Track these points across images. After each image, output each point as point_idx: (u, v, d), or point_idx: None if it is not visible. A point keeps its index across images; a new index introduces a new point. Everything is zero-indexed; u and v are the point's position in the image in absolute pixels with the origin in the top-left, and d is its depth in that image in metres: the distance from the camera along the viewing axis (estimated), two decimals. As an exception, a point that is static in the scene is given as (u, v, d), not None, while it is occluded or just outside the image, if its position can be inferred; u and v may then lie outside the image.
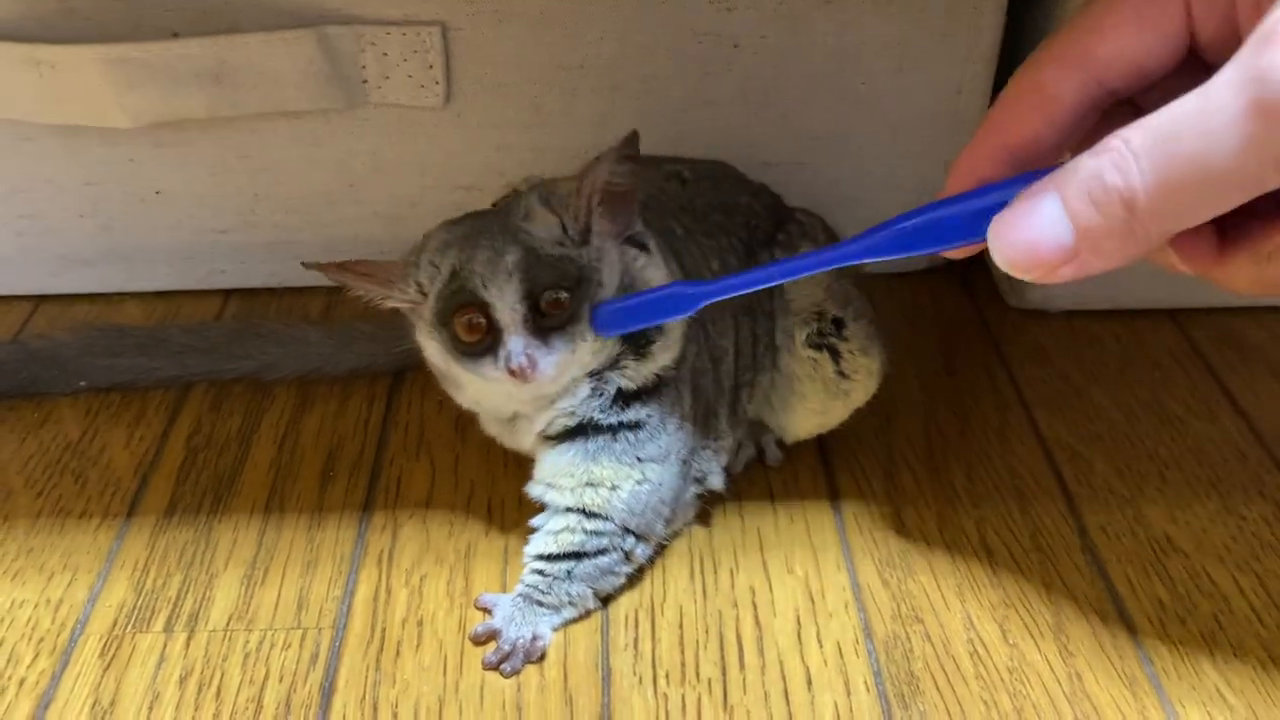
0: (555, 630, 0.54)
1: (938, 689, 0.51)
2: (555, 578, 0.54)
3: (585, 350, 0.50)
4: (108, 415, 0.69)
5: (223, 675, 0.52)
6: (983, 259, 0.87)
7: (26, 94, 0.69)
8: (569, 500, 0.54)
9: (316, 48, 0.68)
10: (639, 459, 0.53)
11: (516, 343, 0.48)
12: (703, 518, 0.60)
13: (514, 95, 0.72)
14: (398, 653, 0.53)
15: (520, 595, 0.54)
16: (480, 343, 0.50)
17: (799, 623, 0.54)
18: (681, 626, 0.54)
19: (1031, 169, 0.35)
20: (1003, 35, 0.72)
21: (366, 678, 0.52)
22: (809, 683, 0.51)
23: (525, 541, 0.56)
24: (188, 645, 0.53)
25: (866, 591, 0.56)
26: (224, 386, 0.71)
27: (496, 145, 0.73)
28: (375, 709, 0.50)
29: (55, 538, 0.59)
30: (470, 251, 0.49)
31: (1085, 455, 0.65)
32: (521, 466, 0.57)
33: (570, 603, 0.54)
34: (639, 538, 0.54)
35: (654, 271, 0.52)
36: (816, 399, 0.60)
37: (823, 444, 0.65)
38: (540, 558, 0.54)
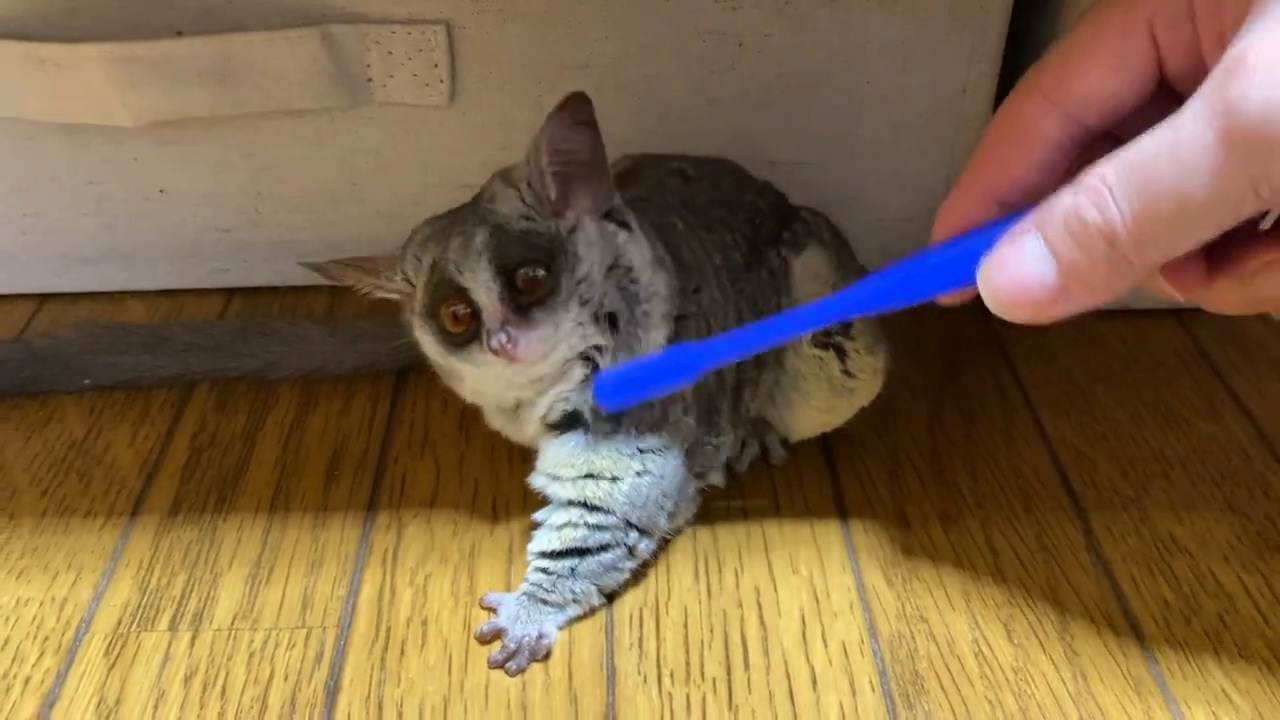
0: (560, 628, 0.54)
1: (943, 689, 0.51)
2: (559, 575, 0.54)
3: (569, 326, 0.50)
4: (112, 414, 0.69)
5: (227, 674, 0.52)
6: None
7: (30, 92, 0.69)
8: (570, 493, 0.54)
9: (321, 46, 0.68)
10: (639, 449, 0.53)
11: (495, 321, 0.49)
12: (706, 517, 0.60)
13: (518, 94, 0.72)
14: (402, 652, 0.53)
15: (524, 594, 0.54)
16: (466, 331, 0.50)
17: (804, 623, 0.54)
18: (686, 626, 0.54)
19: (1018, 209, 0.36)
20: (1008, 34, 0.72)
21: (371, 677, 0.52)
22: (814, 682, 0.51)
23: (530, 539, 0.56)
24: (192, 644, 0.53)
25: (871, 591, 0.56)
26: (228, 385, 0.71)
27: (500, 144, 0.73)
28: (380, 708, 0.50)
29: (60, 536, 0.59)
30: (445, 241, 0.51)
31: (1090, 455, 0.65)
32: (526, 464, 0.57)
33: (575, 600, 0.54)
34: (642, 532, 0.54)
35: (636, 249, 0.52)
36: (821, 397, 0.60)
37: (827, 444, 0.65)
38: (544, 555, 0.54)
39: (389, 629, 0.54)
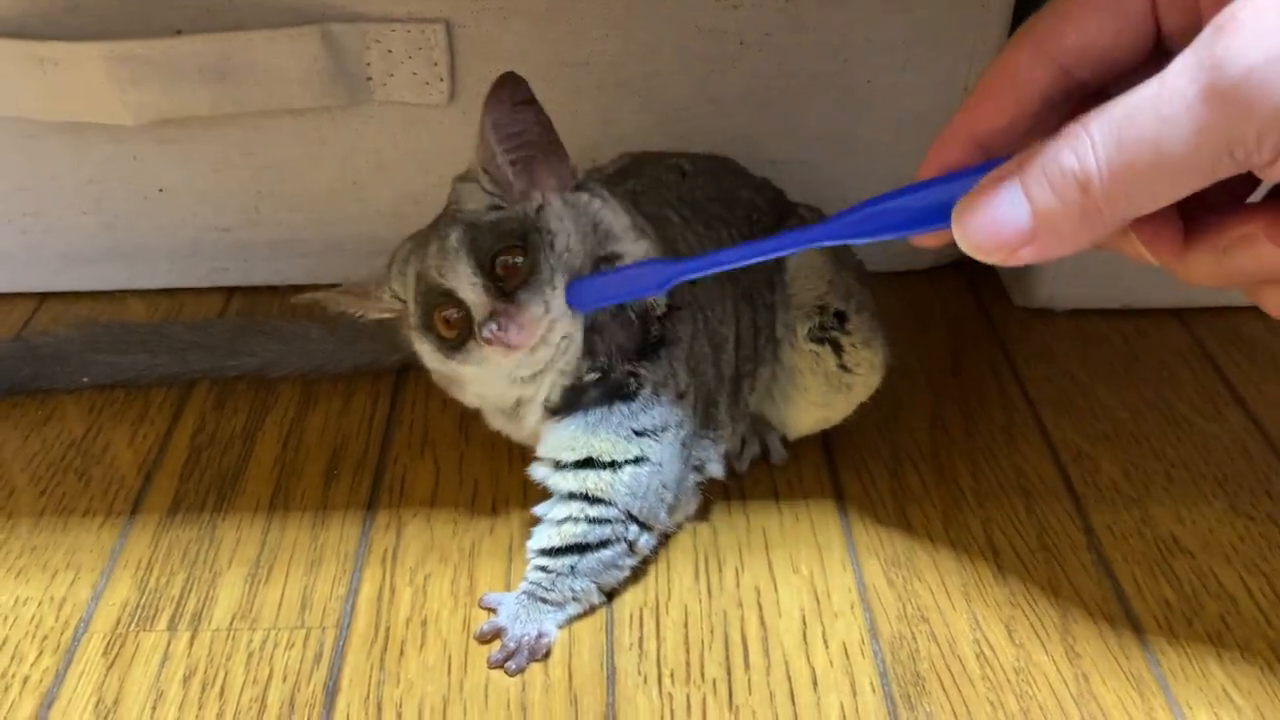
0: (560, 627, 0.54)
1: (944, 689, 0.51)
2: (559, 574, 0.54)
3: (559, 301, 0.50)
4: (111, 413, 0.69)
5: (226, 674, 0.52)
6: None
7: (30, 91, 0.69)
8: (571, 484, 0.54)
9: (321, 45, 0.68)
10: (635, 432, 0.53)
11: (484, 313, 0.49)
12: (707, 516, 0.60)
13: (518, 93, 0.72)
14: (402, 652, 0.53)
15: (524, 593, 0.54)
16: (460, 333, 0.51)
17: (804, 623, 0.54)
18: (686, 626, 0.54)
19: (1001, 156, 0.36)
20: (1008, 32, 0.72)
21: (371, 677, 0.51)
22: (814, 683, 0.51)
23: (529, 538, 0.55)
24: (191, 644, 0.53)
25: (872, 591, 0.56)
26: (227, 384, 0.71)
27: (501, 143, 0.73)
28: (379, 708, 0.50)
29: (59, 535, 0.59)
30: (424, 251, 0.51)
31: (1091, 455, 0.65)
32: (526, 463, 0.56)
33: (574, 599, 0.54)
34: (642, 526, 0.54)
35: (612, 215, 0.52)
36: (818, 392, 0.60)
37: (827, 443, 0.65)
38: (543, 553, 0.54)
39: (388, 629, 0.54)
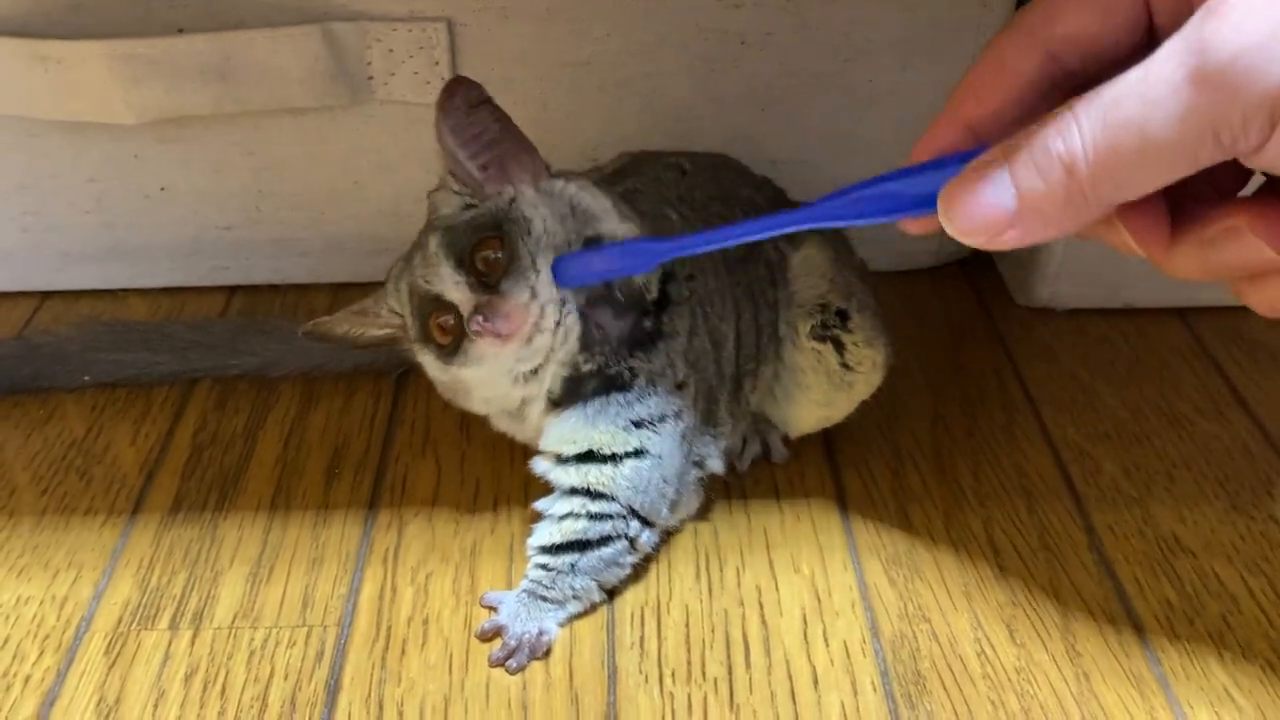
0: (561, 625, 0.54)
1: (945, 689, 0.51)
2: (560, 572, 0.54)
3: (546, 286, 0.50)
4: (113, 412, 0.69)
5: (228, 673, 0.52)
6: (988, 257, 0.87)
7: (32, 90, 0.69)
8: (573, 479, 0.54)
9: (322, 44, 0.68)
10: (633, 423, 0.53)
11: (469, 308, 0.50)
12: (708, 515, 0.60)
13: (520, 92, 0.72)
14: (403, 651, 0.53)
15: (524, 591, 0.54)
16: (455, 337, 0.51)
17: (805, 622, 0.54)
18: (687, 625, 0.54)
19: (991, 143, 0.36)
20: (1010, 32, 0.72)
21: (372, 676, 0.51)
22: (815, 682, 0.51)
23: (530, 534, 0.55)
24: (193, 643, 0.53)
25: (873, 591, 0.56)
26: (229, 383, 0.71)
27: (502, 142, 0.73)
28: (381, 707, 0.50)
29: (60, 534, 0.59)
30: (410, 263, 0.53)
31: (1093, 454, 0.65)
32: (528, 462, 0.56)
33: (575, 597, 0.54)
34: (644, 522, 0.54)
35: (590, 196, 0.52)
36: (820, 391, 0.60)
37: (829, 442, 0.65)
38: (544, 550, 0.54)
39: (390, 628, 0.54)
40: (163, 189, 0.76)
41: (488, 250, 0.50)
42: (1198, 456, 0.65)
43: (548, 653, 0.53)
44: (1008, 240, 0.35)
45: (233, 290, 0.80)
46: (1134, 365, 0.73)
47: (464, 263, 0.50)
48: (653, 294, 0.53)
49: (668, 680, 0.51)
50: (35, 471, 0.64)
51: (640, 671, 0.52)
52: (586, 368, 0.53)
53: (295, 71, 0.69)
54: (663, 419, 0.53)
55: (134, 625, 0.54)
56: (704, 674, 0.52)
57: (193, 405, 0.69)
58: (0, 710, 0.50)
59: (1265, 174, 0.37)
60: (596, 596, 0.55)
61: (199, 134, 0.73)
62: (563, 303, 0.51)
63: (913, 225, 0.39)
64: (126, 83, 0.68)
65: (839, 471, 0.64)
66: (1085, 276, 0.76)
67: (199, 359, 0.70)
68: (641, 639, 0.53)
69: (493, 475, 0.63)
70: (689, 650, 0.53)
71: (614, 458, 0.53)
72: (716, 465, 0.57)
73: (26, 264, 0.78)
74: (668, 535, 0.58)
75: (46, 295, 0.79)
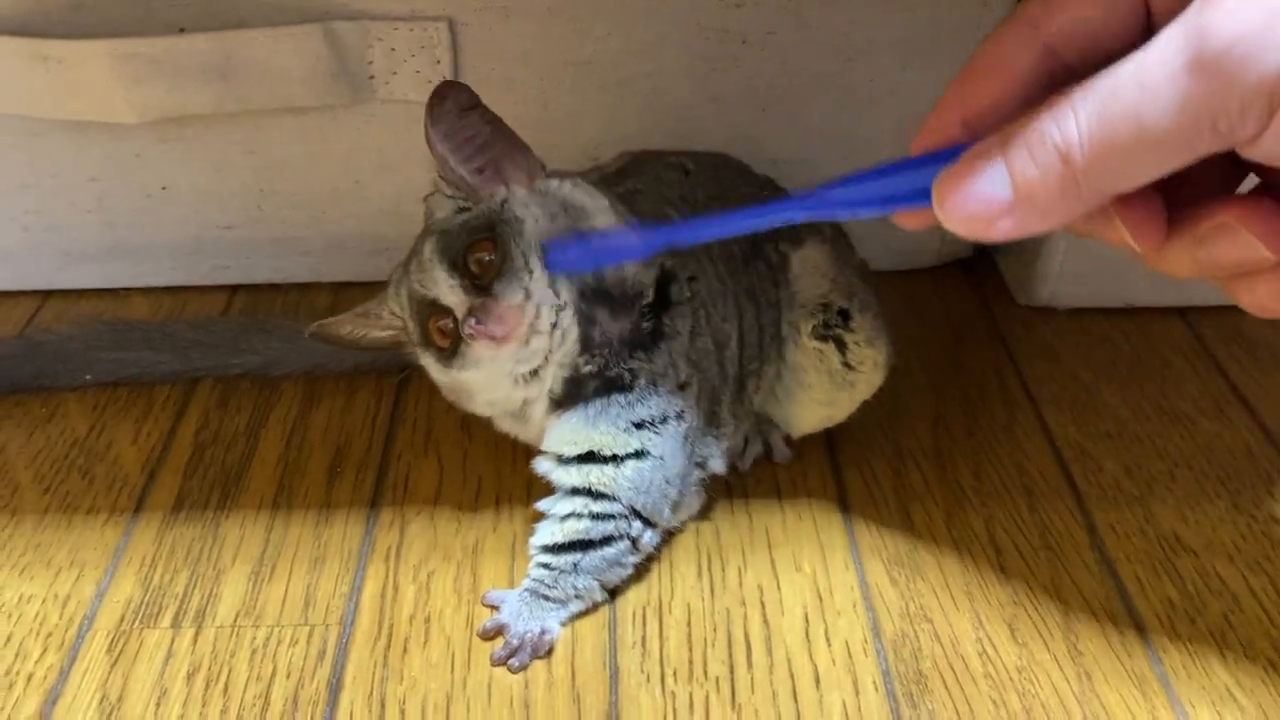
0: (563, 625, 0.54)
1: (946, 688, 0.51)
2: (561, 571, 0.54)
3: (540, 286, 0.50)
4: (115, 411, 0.69)
5: (230, 671, 0.52)
6: (989, 256, 0.87)
7: (33, 89, 0.69)
8: (575, 479, 0.54)
9: (323, 43, 0.68)
10: (634, 424, 0.53)
11: (463, 310, 0.50)
12: (709, 514, 0.60)
13: (521, 91, 0.72)
14: (405, 649, 0.53)
15: (526, 590, 0.54)
16: (453, 340, 0.51)
17: (807, 621, 0.54)
18: (689, 624, 0.54)
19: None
20: (1012, 31, 0.72)
21: (374, 674, 0.52)
22: (817, 681, 0.51)
23: (532, 534, 0.55)
24: (195, 641, 0.53)
25: (875, 590, 0.56)
26: (231, 382, 0.71)
27: (503, 141, 0.73)
28: (383, 705, 0.50)
29: (62, 533, 0.59)
30: (408, 269, 0.53)
31: (1094, 454, 0.65)
32: (530, 460, 0.56)
33: (577, 596, 0.54)
34: (646, 522, 0.54)
35: (583, 195, 0.52)
36: (822, 390, 0.60)
37: (830, 442, 0.65)
38: (546, 549, 0.54)
39: (392, 626, 0.54)
40: (164, 188, 0.76)
41: (481, 252, 0.50)
42: (1199, 455, 0.65)
43: (550, 652, 0.53)
44: (1002, 230, 0.34)
45: (234, 289, 0.80)
46: (1135, 364, 0.73)
47: (458, 265, 0.50)
48: (648, 297, 0.53)
49: (669, 679, 0.51)
50: (37, 470, 0.64)
51: (642, 671, 0.52)
52: (586, 369, 0.53)
53: (297, 71, 0.69)
54: (664, 420, 0.53)
55: (136, 624, 0.54)
56: (706, 673, 0.52)
57: (195, 404, 0.69)
58: (3, 708, 0.50)
59: (1259, 171, 0.37)
60: (598, 596, 0.55)
61: (200, 133, 0.73)
62: (560, 303, 0.51)
63: (908, 220, 0.39)
64: (128, 82, 0.68)
65: (840, 471, 0.64)
66: (1086, 276, 0.76)
67: (201, 358, 0.70)
68: (643, 638, 0.53)
69: (495, 474, 0.63)
70: (691, 649, 0.53)
71: (615, 458, 0.53)
72: (718, 466, 0.58)
73: (28, 263, 0.78)
74: (669, 535, 0.58)
75: (48, 294, 0.79)
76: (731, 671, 0.52)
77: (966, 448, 0.66)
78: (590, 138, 0.73)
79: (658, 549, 0.57)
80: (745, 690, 0.51)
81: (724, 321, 0.57)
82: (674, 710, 0.50)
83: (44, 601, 0.55)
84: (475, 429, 0.64)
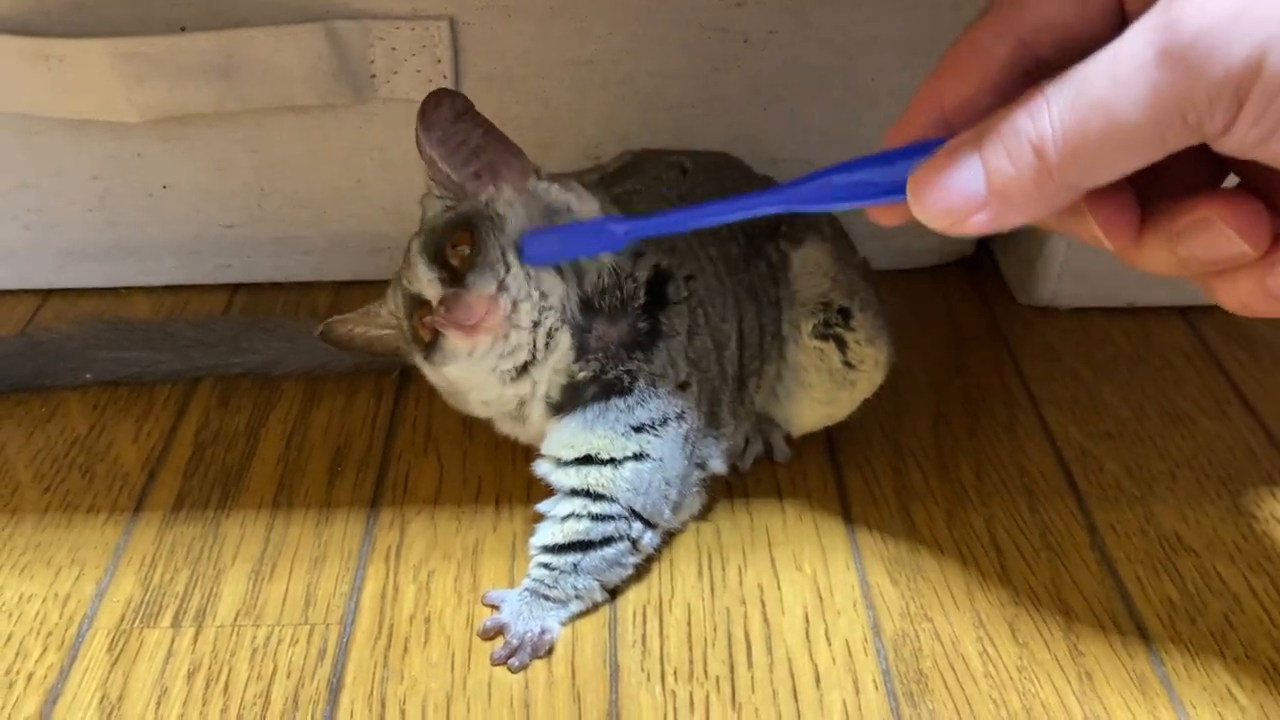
0: (563, 624, 0.54)
1: (946, 688, 0.51)
2: (562, 571, 0.54)
3: (516, 279, 0.50)
4: (115, 410, 0.69)
5: (230, 671, 0.52)
6: (990, 255, 0.87)
7: (34, 88, 0.69)
8: (573, 480, 0.54)
9: (325, 42, 0.68)
10: (633, 428, 0.53)
11: (436, 301, 0.50)
12: (710, 514, 0.60)
13: (522, 90, 0.72)
14: (405, 649, 0.53)
15: (527, 590, 0.54)
16: (434, 334, 0.52)
17: (807, 620, 0.54)
18: (689, 624, 0.54)
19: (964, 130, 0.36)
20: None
21: (374, 674, 0.52)
22: (817, 681, 0.51)
23: (533, 535, 0.55)
24: (195, 641, 0.53)
25: (875, 590, 0.56)
26: (231, 382, 0.71)
27: (504, 140, 0.73)
28: (383, 705, 0.50)
29: (63, 532, 0.59)
30: (401, 269, 0.54)
31: (1095, 453, 0.65)
32: (530, 460, 0.57)
33: (577, 596, 0.54)
34: (646, 523, 0.54)
35: (575, 198, 0.53)
36: (823, 389, 0.60)
37: (831, 441, 0.65)
38: (546, 550, 0.54)
39: (392, 626, 0.54)
40: (165, 187, 0.76)
41: (460, 246, 0.50)
42: (1200, 455, 0.65)
43: (550, 651, 0.53)
44: (977, 225, 0.34)
45: (235, 288, 0.80)
46: (1136, 364, 0.73)
47: (437, 260, 0.51)
48: (640, 299, 0.53)
49: (670, 678, 0.51)
50: (38, 469, 0.64)
51: (642, 670, 0.52)
52: (582, 375, 0.53)
53: (298, 70, 0.69)
54: (664, 422, 0.53)
55: (136, 623, 0.54)
56: (706, 672, 0.52)
57: (195, 403, 0.69)
58: (3, 708, 0.50)
59: (1238, 170, 0.36)
60: (599, 596, 0.55)
61: (202, 132, 0.73)
62: (544, 302, 0.51)
63: (883, 215, 0.38)
64: (129, 81, 0.68)
65: (841, 470, 0.64)
66: (1087, 275, 0.76)
67: (201, 357, 0.70)
68: (643, 637, 0.53)
69: (495, 474, 0.63)
70: (691, 649, 0.53)
71: (613, 461, 0.53)
72: (719, 466, 0.58)
73: (29, 262, 0.78)
74: (670, 535, 0.58)
75: (49, 293, 0.79)
76: (732, 670, 0.52)
77: (967, 447, 0.66)
78: (591, 137, 0.73)
79: (658, 549, 0.57)
80: (745, 689, 0.51)
81: (723, 321, 0.57)
82: (674, 709, 0.50)
83: (44, 601, 0.55)
84: (476, 429, 0.64)
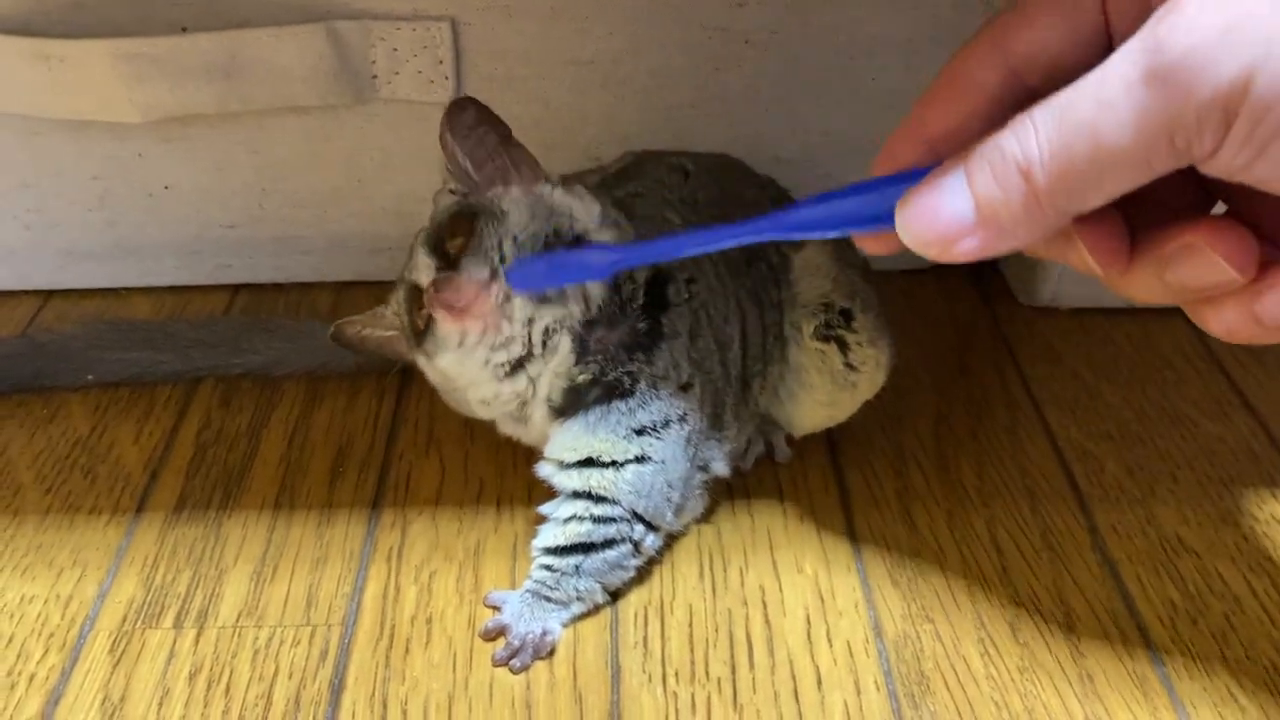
0: (564, 626, 0.54)
1: (948, 689, 0.51)
2: (563, 573, 0.54)
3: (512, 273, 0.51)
4: (117, 411, 0.69)
5: (232, 672, 0.52)
6: (992, 258, 0.87)
7: (36, 88, 0.69)
8: (575, 483, 0.54)
9: (326, 43, 0.68)
10: (635, 430, 0.53)
11: (427, 280, 0.51)
12: (711, 515, 0.60)
13: (523, 90, 0.72)
14: (407, 650, 0.53)
15: (528, 591, 0.54)
16: (426, 321, 0.52)
17: (809, 622, 0.54)
18: (691, 625, 0.54)
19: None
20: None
21: (376, 675, 0.52)
22: (819, 682, 0.51)
23: (534, 536, 0.55)
24: (197, 642, 0.53)
25: (876, 591, 0.56)
26: (233, 382, 0.71)
27: (505, 141, 0.73)
28: (385, 706, 0.50)
29: (64, 533, 0.59)
30: (404, 264, 0.54)
31: (1096, 454, 0.65)
32: (532, 461, 0.57)
33: (578, 598, 0.54)
34: (648, 525, 0.54)
35: (580, 202, 0.53)
36: (824, 390, 0.60)
37: (832, 442, 0.65)
38: (548, 551, 0.54)
39: (394, 627, 0.54)
40: (166, 187, 0.76)
41: (459, 236, 0.51)
42: (1201, 457, 0.65)
43: (551, 652, 0.53)
44: (965, 250, 0.34)
45: (236, 289, 0.80)
46: (1137, 365, 0.73)
47: (436, 249, 0.52)
48: (640, 299, 0.53)
49: (671, 680, 0.51)
50: (39, 470, 0.64)
51: (644, 671, 0.52)
52: (582, 378, 0.53)
53: (299, 70, 0.69)
54: (666, 424, 0.54)
55: (138, 624, 0.54)
56: (707, 674, 0.52)
57: (196, 404, 0.69)
58: (5, 709, 0.50)
59: (1227, 198, 0.36)
60: (600, 598, 0.55)
61: (203, 132, 0.73)
62: (539, 300, 0.51)
63: (872, 245, 0.38)
64: (130, 81, 0.68)
65: (842, 471, 0.64)
66: (1088, 277, 0.76)
67: (202, 358, 0.70)
68: (645, 639, 0.54)
69: (496, 474, 0.63)
70: (692, 650, 0.53)
71: (615, 464, 0.53)
72: (721, 468, 0.58)
73: (30, 262, 0.78)
74: (672, 537, 0.58)
75: (50, 294, 0.79)
76: (733, 672, 0.52)
77: (968, 448, 0.66)
78: (592, 137, 0.73)
79: (660, 552, 0.57)
80: (747, 691, 0.51)
81: (725, 323, 0.57)
82: (676, 711, 0.50)
83: (46, 602, 0.55)
84: (477, 430, 0.64)
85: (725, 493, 0.61)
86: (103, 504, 0.61)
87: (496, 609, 0.55)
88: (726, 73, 0.72)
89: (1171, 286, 0.34)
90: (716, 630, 0.54)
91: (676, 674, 0.52)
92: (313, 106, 0.72)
